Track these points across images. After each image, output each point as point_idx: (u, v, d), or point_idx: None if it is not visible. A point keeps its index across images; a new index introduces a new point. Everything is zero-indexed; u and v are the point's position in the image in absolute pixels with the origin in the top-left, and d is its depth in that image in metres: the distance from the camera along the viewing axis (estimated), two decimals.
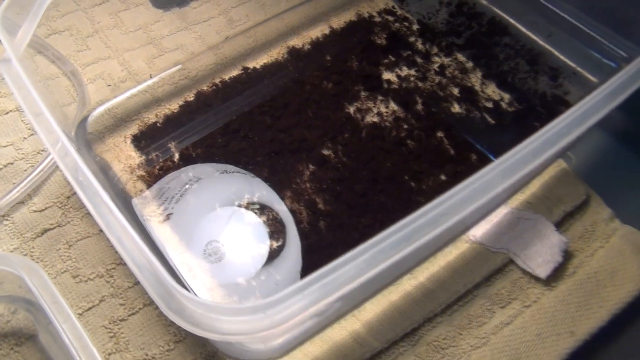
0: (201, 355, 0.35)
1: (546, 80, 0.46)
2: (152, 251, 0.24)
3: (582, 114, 0.30)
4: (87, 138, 0.42)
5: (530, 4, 0.49)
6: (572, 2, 0.47)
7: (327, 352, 0.35)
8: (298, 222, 0.39)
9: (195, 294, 0.32)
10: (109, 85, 0.45)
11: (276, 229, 0.38)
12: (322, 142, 0.42)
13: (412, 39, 0.49)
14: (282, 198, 0.40)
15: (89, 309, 0.36)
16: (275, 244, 0.38)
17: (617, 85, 0.31)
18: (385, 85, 0.46)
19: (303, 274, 0.37)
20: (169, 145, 0.42)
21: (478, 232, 0.39)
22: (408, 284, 0.38)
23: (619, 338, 0.37)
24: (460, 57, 0.48)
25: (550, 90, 0.46)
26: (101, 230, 0.25)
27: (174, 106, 0.44)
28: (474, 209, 0.27)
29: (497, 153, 0.43)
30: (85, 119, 0.43)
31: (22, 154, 0.42)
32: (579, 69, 0.47)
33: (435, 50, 0.48)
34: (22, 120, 0.43)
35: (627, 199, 0.42)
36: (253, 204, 0.39)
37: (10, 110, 0.44)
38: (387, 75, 0.47)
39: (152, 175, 0.41)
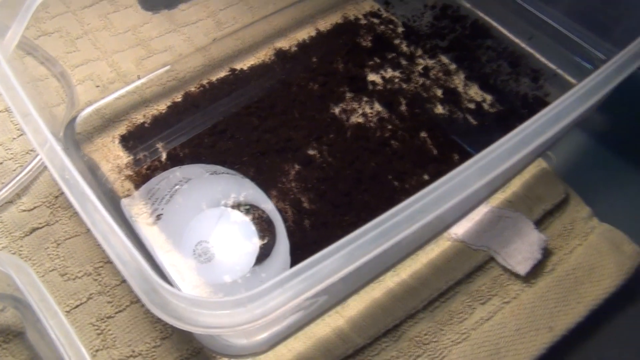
0: (187, 352, 0.35)
1: (527, 82, 0.47)
2: (137, 249, 0.25)
3: (556, 113, 0.31)
4: (75, 138, 0.43)
5: (512, 7, 0.50)
6: (552, 5, 0.48)
7: (310, 347, 0.36)
8: (283, 221, 0.39)
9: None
10: (98, 86, 0.46)
11: (265, 229, 0.39)
12: (308, 142, 0.43)
13: (397, 41, 0.50)
14: (268, 197, 0.40)
15: (77, 306, 0.37)
16: (264, 245, 0.38)
17: (591, 86, 0.32)
18: (370, 87, 0.47)
19: None
20: (157, 145, 0.43)
21: (459, 230, 0.40)
22: (390, 281, 0.38)
23: (596, 333, 0.38)
24: (444, 59, 0.49)
25: (532, 92, 0.47)
26: (89, 229, 0.26)
27: (161, 107, 0.45)
28: (450, 206, 0.27)
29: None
30: (73, 119, 0.43)
31: (11, 154, 0.42)
32: (559, 71, 0.48)
33: (419, 52, 0.49)
34: (11, 121, 0.44)
35: (605, 198, 0.43)
36: (242, 204, 0.40)
37: (0, 111, 0.44)
38: (372, 77, 0.48)
39: (140, 175, 0.41)
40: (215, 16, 0.51)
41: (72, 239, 0.39)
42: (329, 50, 0.49)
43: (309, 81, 0.47)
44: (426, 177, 0.42)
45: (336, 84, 0.47)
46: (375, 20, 0.51)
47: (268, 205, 0.40)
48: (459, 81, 0.48)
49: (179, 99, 0.45)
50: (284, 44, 0.50)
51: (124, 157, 0.42)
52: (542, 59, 0.49)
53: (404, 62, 0.49)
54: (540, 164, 0.44)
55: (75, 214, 0.40)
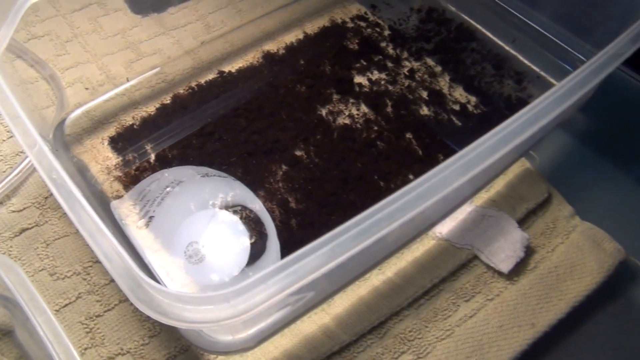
0: (175, 349, 0.36)
1: (511, 84, 0.48)
2: (126, 249, 0.26)
3: (536, 113, 0.32)
4: (64, 140, 0.43)
5: (497, 11, 0.51)
6: (536, 9, 0.49)
7: (297, 344, 0.36)
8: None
9: None
10: (87, 89, 0.46)
11: (256, 230, 0.39)
12: (295, 144, 0.44)
13: (383, 44, 0.51)
14: (258, 199, 0.41)
15: (66, 305, 0.37)
16: (255, 246, 0.39)
17: (570, 87, 0.32)
18: (357, 89, 0.48)
19: None
20: (146, 147, 0.43)
21: (444, 229, 0.41)
22: (376, 279, 0.39)
23: (578, 329, 0.39)
24: (430, 62, 0.50)
25: (515, 94, 0.48)
26: (77, 229, 0.27)
27: (150, 109, 0.45)
28: (431, 204, 0.28)
29: None
30: (63, 121, 0.44)
31: (1, 155, 0.43)
32: (543, 74, 0.49)
33: (405, 55, 0.50)
34: (0, 123, 0.44)
35: (587, 197, 0.44)
36: (234, 206, 0.40)
37: None
38: (358, 79, 0.48)
39: (129, 176, 0.42)
40: (204, 19, 0.52)
41: (62, 239, 0.39)
42: (316, 53, 0.50)
43: (297, 83, 0.47)
44: (411, 177, 0.43)
45: (323, 86, 0.47)
46: (362, 24, 0.52)
47: (259, 207, 0.40)
48: (444, 83, 0.49)
49: (168, 101, 0.46)
50: (272, 46, 0.50)
51: (113, 159, 0.43)
52: (526, 62, 0.50)
53: (390, 65, 0.49)
54: (523, 164, 0.44)
55: (65, 214, 0.40)
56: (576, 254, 0.41)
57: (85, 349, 0.36)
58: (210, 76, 0.48)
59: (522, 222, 0.42)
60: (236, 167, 0.42)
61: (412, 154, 0.44)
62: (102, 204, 0.41)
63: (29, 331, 0.34)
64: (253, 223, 0.40)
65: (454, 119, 0.46)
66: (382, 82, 0.48)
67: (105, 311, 0.37)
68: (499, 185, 0.43)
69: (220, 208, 0.40)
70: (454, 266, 0.40)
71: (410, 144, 0.45)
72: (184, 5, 0.52)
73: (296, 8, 0.53)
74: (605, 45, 0.35)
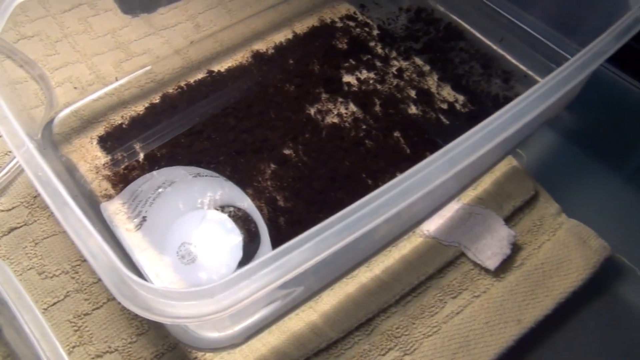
0: (163, 347, 0.36)
1: (499, 83, 0.49)
2: (114, 249, 0.26)
3: (519, 110, 0.32)
4: (53, 139, 0.43)
5: (485, 10, 0.52)
6: (523, 8, 0.50)
7: (285, 342, 0.36)
8: None
9: None
10: (76, 88, 0.47)
11: (249, 230, 0.39)
12: (284, 142, 0.44)
13: (372, 43, 0.51)
14: (250, 199, 0.41)
15: (54, 304, 0.37)
16: (248, 246, 0.39)
17: (551, 85, 0.33)
18: (346, 88, 0.48)
19: None
20: (135, 146, 0.43)
21: (431, 226, 0.41)
22: (364, 276, 0.39)
23: (564, 325, 0.39)
24: (418, 61, 0.50)
25: (503, 93, 0.48)
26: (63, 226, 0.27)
27: (139, 108, 0.46)
28: (414, 200, 0.28)
29: None
30: (52, 120, 0.44)
31: None
32: (530, 72, 0.49)
33: (394, 54, 0.50)
34: None
35: (574, 194, 0.45)
36: (226, 206, 0.40)
37: None
38: (347, 78, 0.49)
39: (118, 175, 0.42)
40: (194, 19, 0.52)
41: (50, 238, 0.40)
42: (305, 53, 0.50)
43: (286, 83, 0.48)
44: (399, 175, 0.43)
45: (312, 85, 0.48)
46: (351, 23, 0.53)
47: (250, 207, 0.40)
48: (432, 82, 0.49)
49: (157, 101, 0.46)
50: (261, 46, 0.50)
51: (102, 158, 0.43)
52: (513, 61, 0.50)
53: (378, 64, 0.50)
54: (510, 162, 0.45)
55: (53, 213, 0.41)
56: (562, 251, 0.41)
57: (73, 347, 0.36)
58: (200, 76, 0.48)
59: (509, 220, 0.42)
60: (225, 166, 0.42)
61: (400, 152, 0.44)
62: (91, 203, 0.41)
63: (17, 330, 0.34)
64: (245, 222, 0.40)
65: (442, 117, 0.47)
66: (371, 82, 0.48)
67: (93, 309, 0.37)
68: (486, 183, 0.44)
69: (213, 208, 0.40)
70: (441, 263, 0.40)
71: (398, 143, 0.45)
72: (174, 5, 0.53)
73: (286, 8, 0.53)
74: (589, 43, 0.35)
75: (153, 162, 0.42)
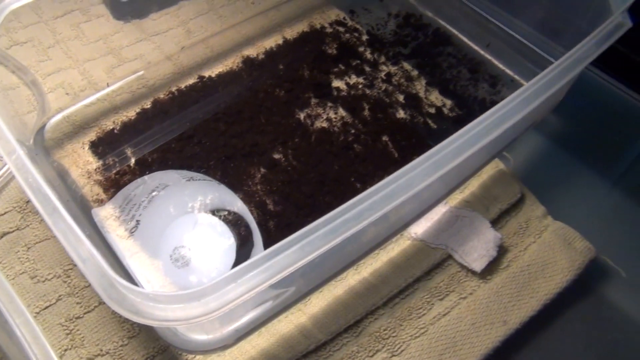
0: (154, 350, 0.36)
1: (486, 87, 0.49)
2: (106, 254, 0.26)
3: (502, 114, 0.33)
4: (45, 145, 0.44)
5: (472, 16, 0.52)
6: (510, 13, 0.51)
7: (274, 344, 0.37)
8: None
9: None
10: (68, 94, 0.47)
11: (242, 234, 0.40)
12: (273, 147, 0.45)
13: (361, 48, 0.52)
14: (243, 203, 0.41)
15: (46, 307, 0.37)
16: (241, 249, 0.39)
17: (533, 90, 0.33)
18: (335, 93, 0.49)
19: None
20: (126, 151, 0.44)
21: (419, 229, 0.42)
22: (352, 279, 0.40)
23: (549, 326, 0.40)
24: (406, 66, 0.51)
25: (490, 97, 0.49)
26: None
27: (131, 114, 0.46)
28: (397, 204, 0.29)
29: None
30: (44, 126, 0.45)
31: None
32: (516, 77, 0.50)
33: (382, 59, 0.51)
34: None
35: (559, 196, 0.45)
36: (219, 209, 0.41)
37: None
38: (336, 83, 0.49)
39: (109, 180, 0.42)
40: (186, 25, 0.53)
41: (42, 242, 0.40)
42: (295, 58, 0.51)
43: (276, 88, 0.48)
44: None
45: (302, 90, 0.48)
46: (341, 29, 0.53)
47: (244, 211, 0.41)
48: (420, 87, 0.50)
49: (148, 106, 0.47)
50: (251, 51, 0.51)
51: (93, 163, 0.43)
52: (500, 66, 0.51)
53: (367, 69, 0.50)
54: (497, 165, 0.45)
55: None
56: (548, 253, 0.42)
57: (65, 350, 0.36)
58: (191, 81, 0.49)
59: (495, 222, 0.43)
60: (215, 171, 0.43)
61: (388, 156, 0.45)
62: (83, 208, 0.41)
63: (8, 333, 0.35)
64: (238, 225, 0.40)
65: (429, 121, 0.47)
66: (360, 86, 0.49)
67: (85, 313, 0.37)
68: (473, 186, 0.44)
69: (206, 211, 0.41)
70: (428, 266, 0.41)
71: (387, 147, 0.45)
72: (165, 11, 0.53)
73: (276, 14, 0.54)
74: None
75: (144, 167, 0.43)
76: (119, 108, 0.47)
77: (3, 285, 0.35)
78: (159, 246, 0.39)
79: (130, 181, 0.42)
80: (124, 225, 0.40)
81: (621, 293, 0.41)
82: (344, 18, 0.54)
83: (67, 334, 0.37)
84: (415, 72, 0.50)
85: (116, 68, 0.49)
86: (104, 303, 0.38)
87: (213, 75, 0.49)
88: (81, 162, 0.43)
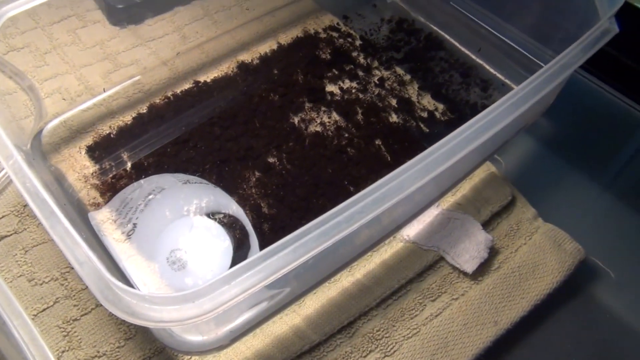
0: (150, 351, 0.37)
1: (477, 92, 0.50)
2: (102, 257, 0.27)
3: (491, 118, 0.33)
4: (42, 149, 0.44)
5: (464, 21, 0.53)
6: (501, 18, 0.51)
7: (269, 345, 0.38)
8: None
9: None
10: (65, 99, 0.48)
11: (238, 237, 0.40)
12: (268, 150, 0.45)
13: (354, 53, 0.53)
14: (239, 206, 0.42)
15: (44, 310, 0.38)
16: (237, 251, 0.40)
17: (522, 95, 0.34)
18: (329, 97, 0.49)
19: None
20: (122, 155, 0.45)
21: (411, 231, 0.43)
22: (345, 281, 0.40)
23: (539, 326, 0.40)
24: (399, 70, 0.52)
25: (481, 101, 0.50)
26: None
27: (127, 118, 0.47)
28: (388, 207, 0.30)
29: None
30: (41, 131, 0.45)
31: None
32: (507, 81, 0.51)
33: (376, 64, 0.52)
34: None
35: (549, 199, 0.46)
36: (215, 213, 0.41)
37: None
38: (330, 88, 0.50)
39: (106, 184, 0.43)
40: (181, 31, 0.53)
41: (40, 246, 0.40)
42: (289, 63, 0.51)
43: (270, 92, 0.49)
44: None
45: (296, 94, 0.49)
46: (334, 34, 0.54)
47: (239, 214, 0.41)
48: (412, 91, 0.50)
49: (144, 111, 0.47)
50: (246, 57, 0.52)
51: (90, 167, 0.44)
52: (491, 70, 0.51)
53: (361, 74, 0.51)
54: (489, 168, 0.46)
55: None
56: (538, 254, 0.42)
57: (63, 351, 0.37)
58: (186, 86, 0.49)
59: (486, 225, 0.43)
60: (210, 174, 0.44)
61: (381, 160, 0.46)
62: (80, 211, 0.42)
63: (6, 335, 0.35)
64: (234, 229, 0.41)
65: (422, 125, 0.48)
66: (353, 91, 0.50)
67: (82, 315, 0.38)
68: (464, 188, 0.45)
69: (202, 214, 0.41)
70: (420, 267, 0.41)
71: (380, 150, 0.46)
72: (161, 16, 0.54)
73: (270, 19, 0.55)
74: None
75: (140, 171, 0.43)
76: (115, 113, 0.47)
77: (1, 288, 0.35)
78: (155, 249, 0.39)
79: (126, 185, 0.43)
80: (120, 228, 0.40)
81: (610, 294, 0.42)
82: (337, 23, 0.55)
83: (65, 336, 0.37)
84: (407, 77, 0.51)
85: (112, 73, 0.50)
86: (101, 305, 0.38)
87: (208, 80, 0.50)
88: (78, 167, 0.44)
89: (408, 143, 0.47)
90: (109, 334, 0.37)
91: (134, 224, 0.40)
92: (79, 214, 0.41)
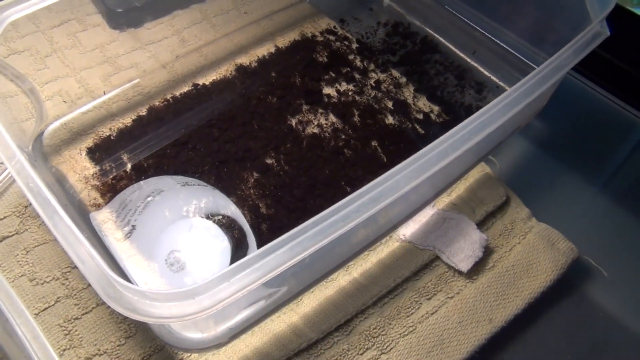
0: (150, 349, 0.37)
1: (472, 94, 0.51)
2: (103, 257, 0.27)
3: (485, 120, 0.34)
4: (43, 151, 0.45)
5: (458, 24, 0.54)
6: (495, 20, 0.52)
7: (267, 343, 0.38)
8: None
9: None
10: (65, 102, 0.48)
11: (236, 237, 0.41)
12: (266, 152, 0.46)
13: (351, 56, 0.53)
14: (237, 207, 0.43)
15: (45, 309, 0.38)
16: (236, 252, 0.40)
17: (515, 97, 0.35)
18: (326, 99, 0.50)
19: None
20: (122, 157, 0.45)
21: (407, 231, 0.43)
22: (342, 280, 0.41)
23: (533, 324, 0.41)
24: (395, 73, 0.52)
25: (476, 103, 0.50)
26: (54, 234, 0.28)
27: (127, 120, 0.47)
28: (382, 207, 0.30)
29: None
30: (42, 133, 0.46)
31: None
32: (501, 83, 0.52)
33: (372, 67, 0.53)
34: None
35: (543, 199, 0.47)
36: (213, 214, 0.42)
37: None
38: (327, 90, 0.51)
39: (106, 185, 0.44)
40: (180, 34, 0.54)
41: (41, 246, 0.41)
42: (287, 66, 0.52)
43: (268, 95, 0.50)
44: None
45: (293, 97, 0.50)
46: (331, 37, 0.55)
47: (237, 215, 0.42)
48: (408, 93, 0.51)
49: (144, 113, 0.48)
50: (244, 60, 0.52)
51: (90, 168, 0.44)
52: (486, 72, 0.52)
53: (357, 76, 0.52)
54: (483, 169, 0.47)
55: (44, 222, 0.42)
56: (532, 254, 0.43)
57: (64, 350, 0.37)
58: (185, 89, 0.50)
59: (481, 224, 0.44)
60: (209, 175, 0.44)
61: (377, 161, 0.46)
62: (81, 212, 0.42)
63: (9, 333, 0.36)
64: (232, 229, 0.41)
65: (417, 127, 0.49)
66: (350, 93, 0.50)
67: (83, 314, 0.39)
68: (459, 189, 0.46)
69: (201, 215, 0.42)
70: (416, 266, 0.42)
71: (376, 151, 0.47)
72: (160, 20, 0.54)
73: (268, 23, 0.56)
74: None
75: (140, 172, 0.44)
76: (115, 115, 0.48)
77: (3, 286, 0.36)
78: (154, 250, 0.40)
79: (126, 186, 0.43)
80: (120, 229, 0.41)
81: (603, 292, 0.43)
82: (334, 27, 0.56)
83: (66, 335, 0.38)
84: (403, 79, 0.52)
85: (112, 76, 0.51)
86: (102, 304, 0.39)
87: (207, 82, 0.50)
88: (79, 168, 0.44)
89: (404, 144, 0.47)
90: (109, 332, 0.38)
91: (133, 226, 0.41)
92: (80, 215, 0.42)
